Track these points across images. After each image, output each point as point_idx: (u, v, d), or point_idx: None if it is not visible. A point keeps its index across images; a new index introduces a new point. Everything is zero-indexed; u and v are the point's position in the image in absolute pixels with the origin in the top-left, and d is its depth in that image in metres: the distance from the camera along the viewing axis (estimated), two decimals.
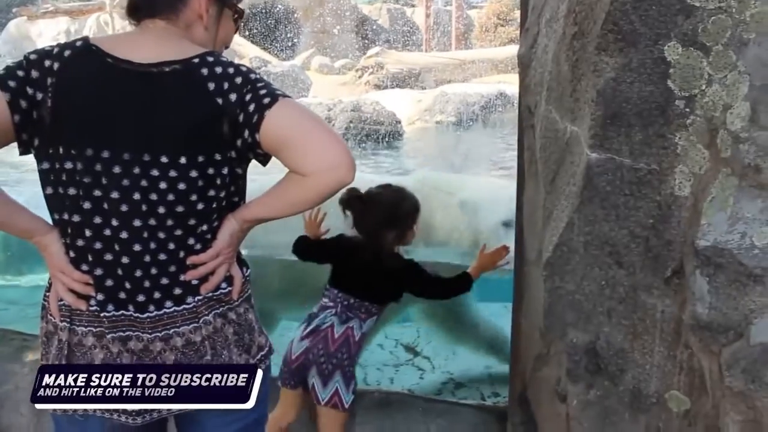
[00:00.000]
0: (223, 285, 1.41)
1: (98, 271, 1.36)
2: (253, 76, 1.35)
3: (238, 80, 1.33)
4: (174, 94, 1.32)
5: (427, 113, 9.37)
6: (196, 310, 1.39)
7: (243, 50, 14.13)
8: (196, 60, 1.34)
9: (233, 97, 1.32)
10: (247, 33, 15.78)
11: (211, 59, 1.34)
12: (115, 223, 1.34)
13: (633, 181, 1.43)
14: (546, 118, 1.66)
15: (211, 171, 1.35)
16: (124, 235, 1.34)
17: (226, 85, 1.32)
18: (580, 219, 1.51)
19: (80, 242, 1.35)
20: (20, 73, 1.33)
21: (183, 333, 1.39)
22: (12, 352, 2.89)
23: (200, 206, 1.35)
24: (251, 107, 1.31)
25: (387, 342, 3.64)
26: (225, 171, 1.36)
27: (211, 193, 1.36)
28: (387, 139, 7.97)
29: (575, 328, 1.61)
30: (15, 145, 1.35)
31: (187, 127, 1.32)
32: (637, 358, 1.52)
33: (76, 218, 1.35)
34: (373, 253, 2.03)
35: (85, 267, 1.37)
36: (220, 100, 1.32)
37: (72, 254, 1.38)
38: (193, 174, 1.34)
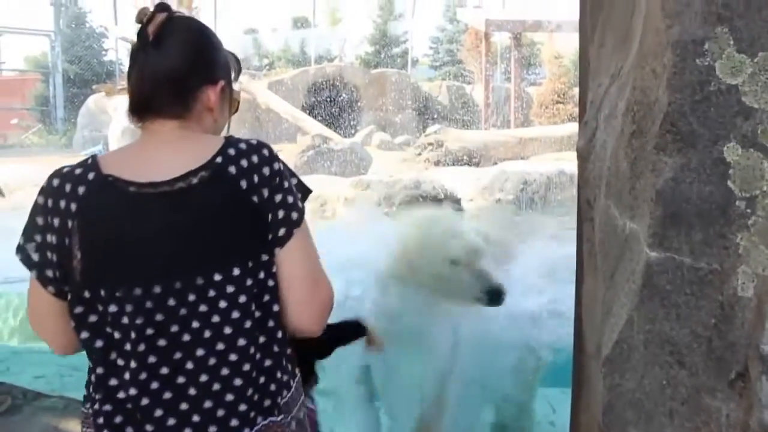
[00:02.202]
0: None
1: (158, 413, 1.26)
2: (276, 166, 1.32)
3: (266, 171, 1.29)
4: (210, 204, 1.27)
5: (486, 191, 9.42)
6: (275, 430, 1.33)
7: (306, 126, 14.54)
8: (220, 159, 1.28)
9: (265, 192, 1.29)
10: (319, 118, 16.23)
11: (232, 152, 1.30)
12: (178, 356, 1.25)
13: (694, 281, 1.42)
14: (605, 213, 1.67)
15: (261, 275, 1.30)
16: (189, 365, 1.26)
17: (256, 179, 1.29)
18: (640, 317, 1.50)
19: (129, 385, 1.27)
20: (40, 238, 1.27)
21: None
22: (76, 421, 2.95)
23: (258, 314, 1.30)
24: (280, 214, 1.30)
25: None
26: (274, 269, 1.31)
27: (266, 298, 1.31)
28: None
29: (636, 427, 1.57)
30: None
31: (232, 236, 1.27)
32: None
33: (121, 362, 1.27)
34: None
35: (130, 406, 1.26)
36: (255, 198, 1.28)
37: (122, 395, 1.27)
38: (249, 282, 1.28)
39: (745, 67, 1.35)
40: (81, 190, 1.26)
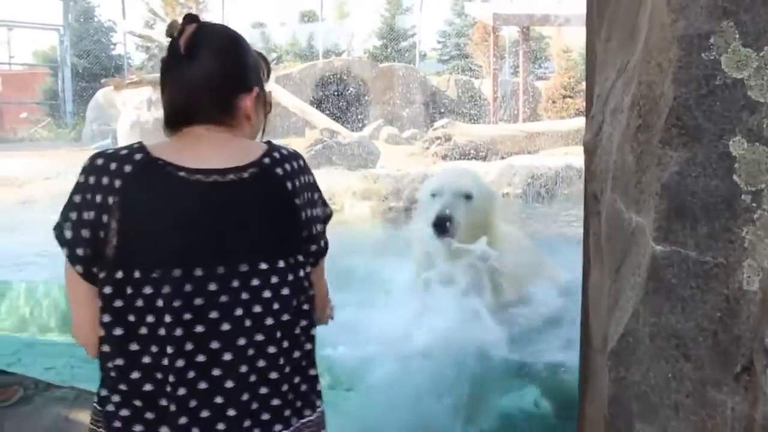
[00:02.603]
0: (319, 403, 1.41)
1: (192, 403, 1.23)
2: (312, 178, 1.40)
3: (304, 179, 1.36)
4: (259, 198, 1.30)
5: (494, 185, 9.41)
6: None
7: (314, 120, 14.54)
8: (267, 160, 1.33)
9: (303, 199, 1.35)
10: (327, 112, 16.29)
11: (278, 155, 1.34)
12: (215, 345, 1.23)
13: (699, 274, 1.43)
14: (611, 207, 1.67)
15: (301, 273, 1.34)
16: (227, 356, 1.24)
17: (297, 184, 1.35)
18: (646, 310, 1.50)
19: (160, 375, 1.23)
20: (75, 216, 1.25)
21: None
22: (86, 411, 2.98)
23: (295, 310, 1.33)
24: (319, 228, 1.39)
25: None
26: (308, 270, 1.36)
27: (302, 296, 1.34)
28: None
29: (641, 420, 1.58)
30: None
31: (278, 230, 1.31)
32: None
33: (155, 348, 1.23)
34: None
35: (165, 402, 1.23)
36: (297, 201, 1.33)
37: (149, 387, 1.24)
38: (290, 277, 1.31)
39: (750, 61, 1.36)
40: (127, 168, 1.27)
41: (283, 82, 18.01)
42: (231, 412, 1.24)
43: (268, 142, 1.39)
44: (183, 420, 1.23)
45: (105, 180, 1.27)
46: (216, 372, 1.24)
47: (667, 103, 1.43)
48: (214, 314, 1.23)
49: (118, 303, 1.25)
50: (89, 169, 1.30)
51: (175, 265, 1.23)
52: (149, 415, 1.24)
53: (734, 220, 1.39)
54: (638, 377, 1.57)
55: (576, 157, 9.83)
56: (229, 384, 1.24)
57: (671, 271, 1.45)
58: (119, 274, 1.24)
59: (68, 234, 1.27)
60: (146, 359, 1.24)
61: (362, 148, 11.39)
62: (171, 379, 1.22)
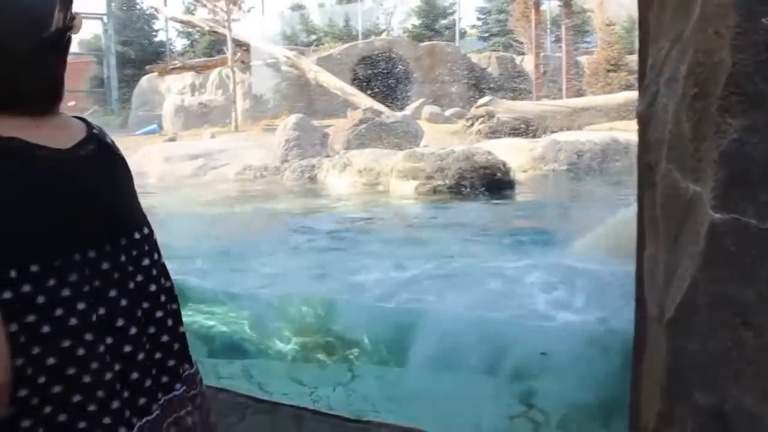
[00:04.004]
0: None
1: (76, 398, 1.13)
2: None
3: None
4: (109, 170, 1.28)
5: (540, 162, 9.33)
6: (195, 382, 1.34)
7: (357, 100, 14.58)
8: (96, 131, 1.30)
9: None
10: (369, 92, 16.33)
11: (96, 129, 1.31)
12: (66, 344, 1.12)
13: (759, 242, 1.42)
14: (667, 177, 1.67)
15: (148, 247, 1.31)
16: (80, 351, 1.13)
17: (120, 152, 1.33)
18: (704, 279, 1.50)
19: (72, 371, 1.14)
20: None
21: (191, 412, 1.31)
22: None
23: (153, 288, 1.29)
24: None
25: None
26: (156, 245, 1.34)
27: (155, 271, 1.31)
28: (500, 188, 8.00)
29: (701, 389, 1.58)
30: None
31: (132, 199, 1.31)
32: None
33: (36, 350, 1.11)
34: None
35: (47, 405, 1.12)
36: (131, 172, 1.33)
37: (57, 389, 1.13)
38: (154, 242, 1.32)
39: None
40: None
41: (324, 64, 18.07)
42: (126, 394, 1.18)
43: (77, 117, 1.34)
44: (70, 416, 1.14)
45: None
46: (71, 371, 1.12)
47: (725, 70, 1.42)
48: (113, 293, 1.19)
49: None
50: None
51: (70, 250, 1.14)
52: (62, 418, 1.14)
53: None
54: (697, 347, 1.57)
55: (621, 132, 9.69)
56: (86, 379, 1.14)
57: (730, 239, 1.44)
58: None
59: None
60: (51, 360, 1.12)
61: (406, 127, 11.39)
62: (23, 392, 1.11)
